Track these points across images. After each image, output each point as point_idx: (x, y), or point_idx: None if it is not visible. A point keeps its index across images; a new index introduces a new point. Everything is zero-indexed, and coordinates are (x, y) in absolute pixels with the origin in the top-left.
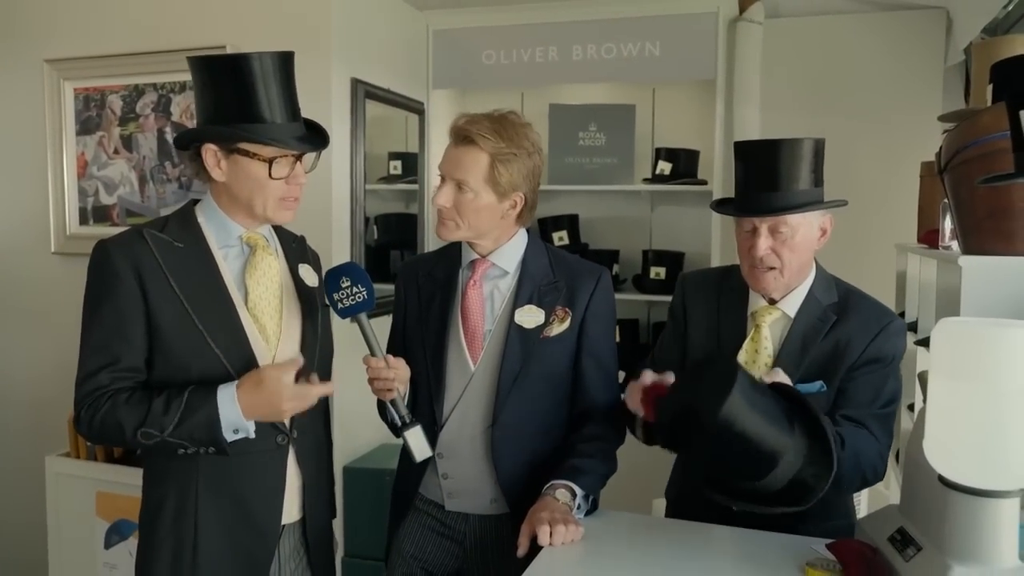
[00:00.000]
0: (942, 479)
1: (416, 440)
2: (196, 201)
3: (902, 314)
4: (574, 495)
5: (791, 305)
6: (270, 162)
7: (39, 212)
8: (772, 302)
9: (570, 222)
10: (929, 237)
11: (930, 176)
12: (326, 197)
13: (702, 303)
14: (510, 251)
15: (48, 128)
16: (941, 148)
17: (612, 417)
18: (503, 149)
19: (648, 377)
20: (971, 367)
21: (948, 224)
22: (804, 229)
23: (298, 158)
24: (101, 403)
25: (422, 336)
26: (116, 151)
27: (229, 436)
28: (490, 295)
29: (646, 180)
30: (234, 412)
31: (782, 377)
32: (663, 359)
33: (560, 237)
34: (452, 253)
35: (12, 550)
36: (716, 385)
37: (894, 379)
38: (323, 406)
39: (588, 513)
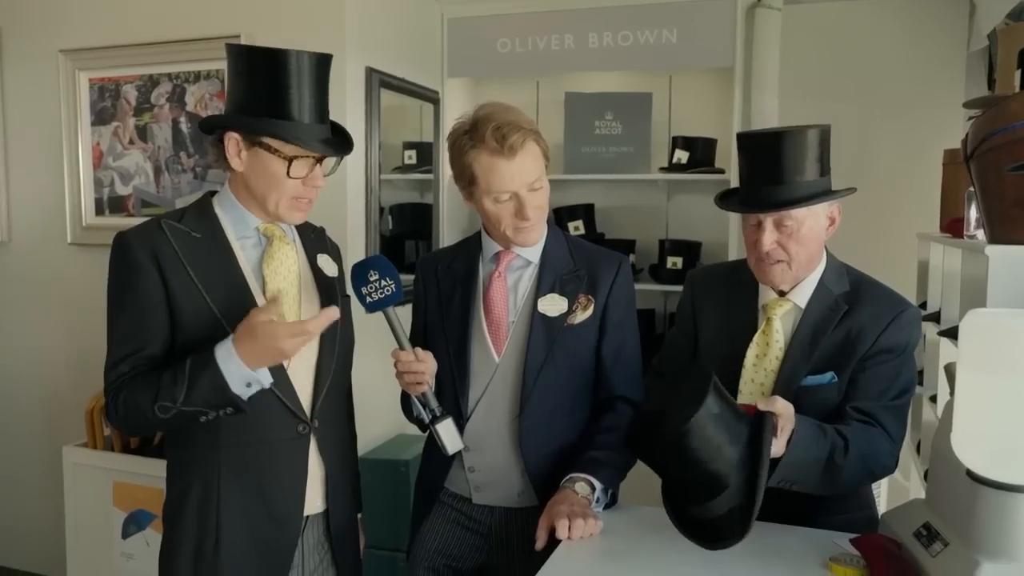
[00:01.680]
0: (970, 473)
1: (448, 432)
2: (213, 192)
3: (923, 304)
4: (593, 488)
5: (802, 296)
6: (290, 160)
7: (55, 203)
8: (782, 294)
9: (586, 211)
10: (953, 226)
11: (953, 164)
12: (341, 188)
13: (712, 300)
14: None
15: (64, 119)
16: (967, 135)
17: (634, 406)
18: (536, 129)
19: None
20: (1001, 359)
21: (973, 213)
22: (811, 221)
23: (319, 160)
24: (122, 390)
25: (444, 330)
26: (131, 141)
27: (242, 391)
28: (514, 286)
29: (663, 169)
30: (237, 367)
31: (777, 408)
32: (673, 358)
33: (576, 227)
34: (471, 246)
35: (31, 540)
36: (689, 397)
37: (908, 369)
38: (346, 399)
39: (607, 507)
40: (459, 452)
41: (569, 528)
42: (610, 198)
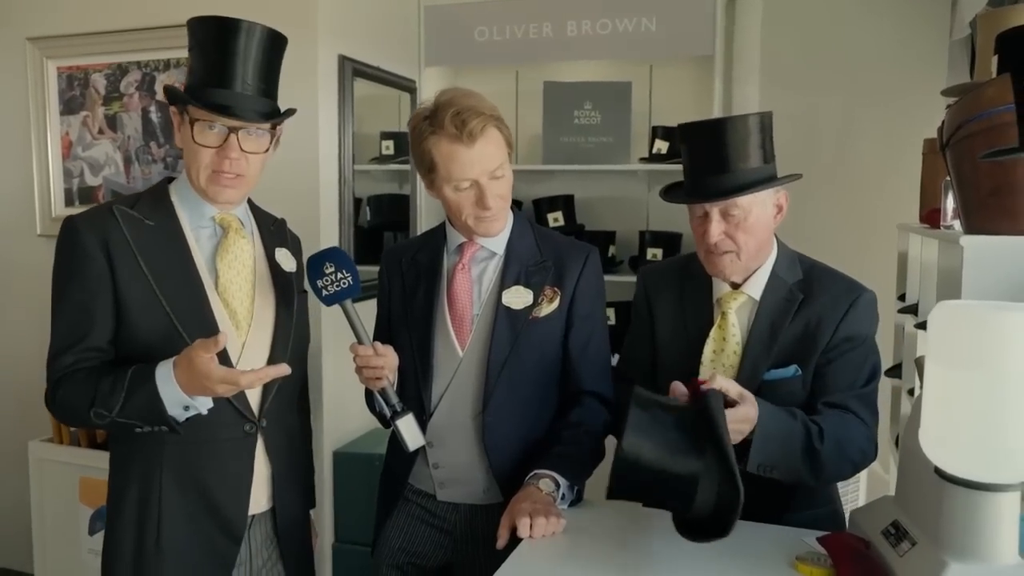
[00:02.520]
0: (938, 471)
1: (408, 428)
2: (171, 179)
3: (902, 296)
4: (558, 485)
5: (755, 287)
6: (192, 124)
7: (24, 194)
8: (735, 286)
9: (565, 203)
10: (931, 217)
11: (932, 153)
12: (313, 179)
13: (665, 296)
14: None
15: (32, 108)
16: (943, 123)
17: (602, 401)
18: (498, 115)
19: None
20: (969, 353)
21: (950, 203)
22: (757, 209)
23: (234, 131)
24: (61, 386)
25: (408, 323)
26: (100, 131)
27: (179, 413)
28: (478, 278)
29: (643, 160)
30: (174, 391)
31: (719, 383)
32: (633, 358)
33: (555, 218)
34: (436, 237)
35: None
36: (623, 421)
37: (872, 354)
38: (298, 394)
39: (573, 504)
40: (423, 449)
41: (531, 527)
42: (590, 189)
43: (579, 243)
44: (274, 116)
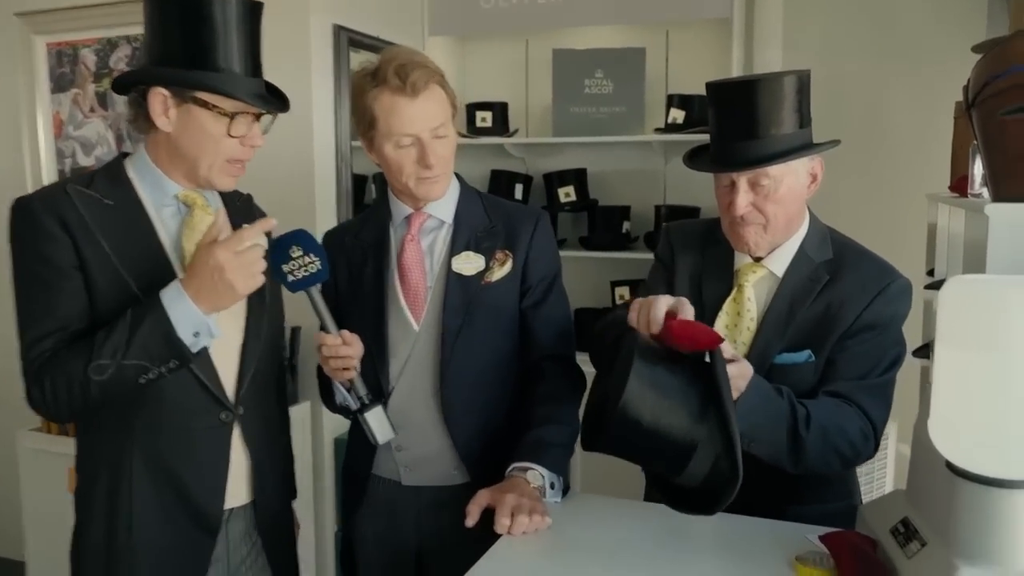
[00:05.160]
0: (949, 465)
1: (378, 421)
2: (126, 155)
3: (931, 272)
4: (545, 477)
5: (779, 263)
6: (231, 117)
7: (16, 176)
8: (758, 259)
9: (577, 177)
10: (960, 185)
11: (964, 116)
12: (307, 156)
13: (688, 256)
14: (446, 198)
15: (22, 86)
16: (968, 81)
17: (567, 369)
18: (443, 74)
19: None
20: (984, 333)
21: (978, 168)
22: (790, 179)
23: (257, 118)
24: (46, 368)
25: (358, 304)
26: (92, 109)
27: (190, 340)
28: (429, 249)
29: (658, 130)
30: (186, 308)
31: (729, 352)
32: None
33: (567, 193)
34: (379, 213)
35: None
36: (620, 372)
37: (893, 344)
38: (275, 379)
39: (564, 494)
40: None
41: (511, 524)
42: (603, 162)
43: (529, 207)
44: (283, 100)
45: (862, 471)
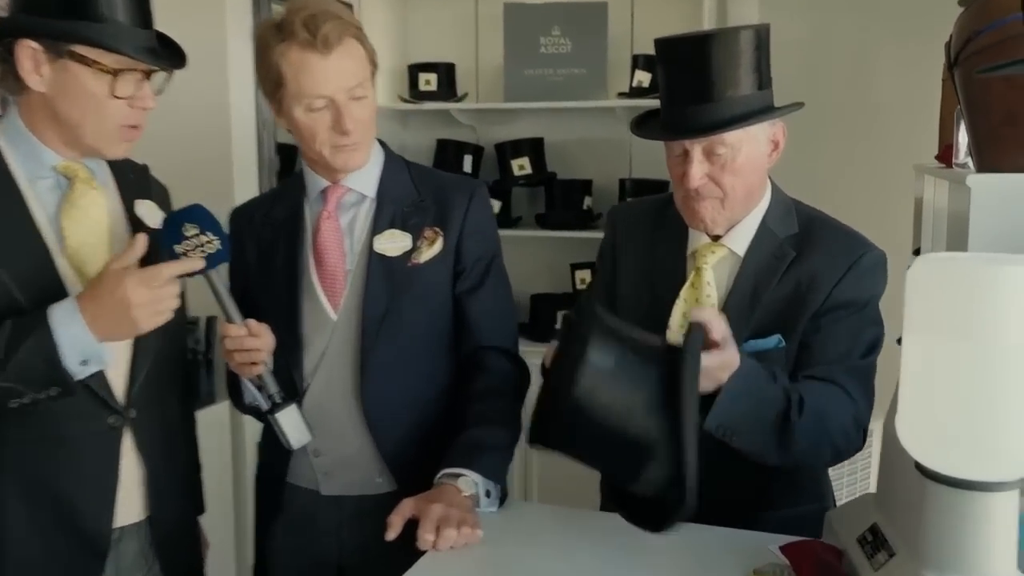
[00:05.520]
0: (919, 466)
1: (292, 422)
2: None
3: (918, 251)
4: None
5: (739, 241)
6: (115, 74)
7: None
8: (716, 238)
9: (532, 147)
10: (946, 154)
11: (949, 78)
12: (223, 123)
13: (635, 242)
14: (368, 170)
15: None
16: (950, 37)
17: (508, 361)
18: (360, 27)
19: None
20: (957, 319)
21: (963, 135)
22: (748, 146)
23: (147, 75)
24: None
25: (269, 290)
26: None
27: (76, 368)
28: (349, 227)
29: (622, 95)
30: (77, 330)
31: (704, 316)
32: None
33: (521, 165)
34: (293, 187)
35: None
36: (575, 358)
37: (872, 323)
38: (177, 377)
39: (501, 503)
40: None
41: (436, 539)
42: (561, 131)
43: (464, 178)
44: (179, 53)
45: (843, 471)
